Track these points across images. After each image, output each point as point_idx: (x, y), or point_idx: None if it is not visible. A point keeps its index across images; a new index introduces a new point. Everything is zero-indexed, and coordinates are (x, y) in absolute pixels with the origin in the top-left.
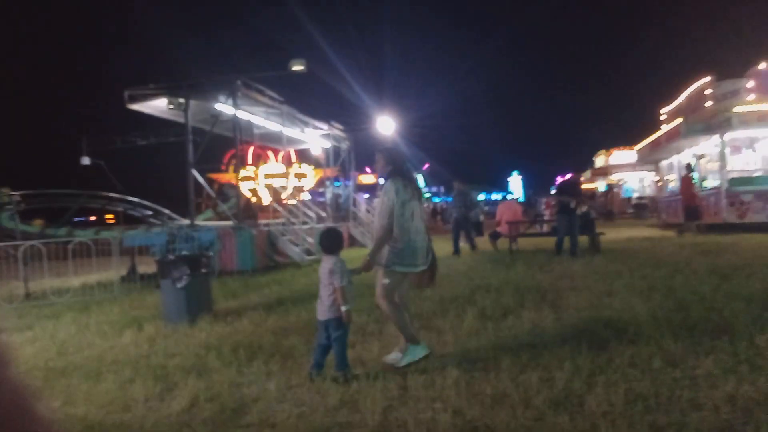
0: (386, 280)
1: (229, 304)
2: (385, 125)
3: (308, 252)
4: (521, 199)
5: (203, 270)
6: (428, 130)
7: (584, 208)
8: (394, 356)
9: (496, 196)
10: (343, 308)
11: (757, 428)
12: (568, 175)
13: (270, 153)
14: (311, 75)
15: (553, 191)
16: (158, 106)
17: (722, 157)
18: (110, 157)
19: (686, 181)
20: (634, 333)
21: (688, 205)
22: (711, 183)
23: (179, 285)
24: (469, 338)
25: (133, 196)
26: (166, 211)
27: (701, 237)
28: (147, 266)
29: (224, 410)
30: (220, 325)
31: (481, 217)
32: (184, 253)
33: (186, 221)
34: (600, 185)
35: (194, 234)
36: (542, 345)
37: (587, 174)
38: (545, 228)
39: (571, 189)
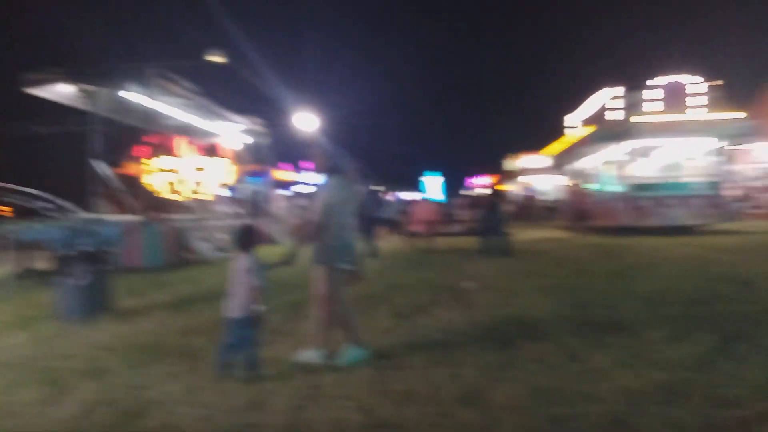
0: (329, 280)
1: (133, 302)
2: (306, 121)
3: (220, 249)
4: (441, 199)
5: (104, 266)
6: (349, 128)
7: (510, 209)
8: (306, 354)
9: (413, 196)
10: (257, 307)
11: (648, 418)
12: (480, 178)
13: (185, 144)
14: (230, 68)
15: (463, 192)
16: (61, 91)
17: (624, 164)
18: (5, 146)
19: (577, 187)
20: (539, 330)
21: (577, 209)
22: (613, 188)
23: (78, 282)
24: (382, 336)
25: (31, 187)
26: (67, 204)
27: (601, 238)
28: (45, 262)
29: (122, 414)
30: (121, 324)
31: (398, 216)
32: (84, 248)
33: (88, 215)
34: (511, 188)
35: (97, 228)
36: (453, 342)
37: (500, 177)
38: (461, 228)
39: (498, 190)
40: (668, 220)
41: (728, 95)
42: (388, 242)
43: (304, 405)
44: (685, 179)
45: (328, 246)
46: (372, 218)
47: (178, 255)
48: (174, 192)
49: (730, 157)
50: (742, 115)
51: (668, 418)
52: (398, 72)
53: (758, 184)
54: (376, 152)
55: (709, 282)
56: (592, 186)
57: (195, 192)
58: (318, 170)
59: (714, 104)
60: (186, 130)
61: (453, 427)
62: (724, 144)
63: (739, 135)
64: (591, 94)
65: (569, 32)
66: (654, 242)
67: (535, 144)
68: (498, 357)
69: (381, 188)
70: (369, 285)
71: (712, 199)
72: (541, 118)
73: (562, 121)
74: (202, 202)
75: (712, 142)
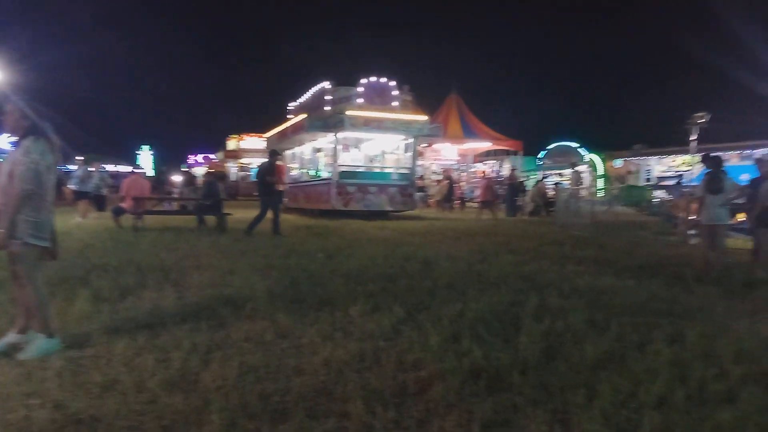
0: (24, 258)
1: None
2: None
3: None
4: (155, 175)
5: None
6: (45, 84)
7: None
8: (11, 339)
9: (123, 169)
10: None
11: (348, 386)
12: (201, 155)
13: None
14: None
15: (183, 169)
16: None
17: (335, 153)
18: None
19: (278, 168)
20: (252, 309)
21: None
22: (324, 174)
23: None
24: (79, 324)
25: None
26: None
27: (311, 220)
28: None
29: None
30: None
31: (105, 191)
32: None
33: None
34: (232, 168)
35: None
36: (162, 325)
37: (220, 155)
38: (175, 206)
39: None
40: (370, 206)
41: (417, 99)
42: (91, 219)
43: None
44: (384, 170)
45: (25, 219)
46: (74, 192)
47: None
48: None
49: (418, 153)
50: (426, 117)
51: (365, 384)
52: (114, 30)
53: (436, 177)
54: (80, 117)
55: (399, 261)
56: (302, 170)
57: None
58: (11, 132)
59: (407, 106)
60: None
61: (157, 415)
62: (414, 141)
63: (425, 134)
64: (312, 85)
65: (300, 21)
66: (358, 225)
67: (260, 126)
68: (209, 338)
69: (83, 158)
70: (64, 267)
71: (404, 188)
72: (267, 103)
73: (285, 106)
74: None
75: (405, 139)
